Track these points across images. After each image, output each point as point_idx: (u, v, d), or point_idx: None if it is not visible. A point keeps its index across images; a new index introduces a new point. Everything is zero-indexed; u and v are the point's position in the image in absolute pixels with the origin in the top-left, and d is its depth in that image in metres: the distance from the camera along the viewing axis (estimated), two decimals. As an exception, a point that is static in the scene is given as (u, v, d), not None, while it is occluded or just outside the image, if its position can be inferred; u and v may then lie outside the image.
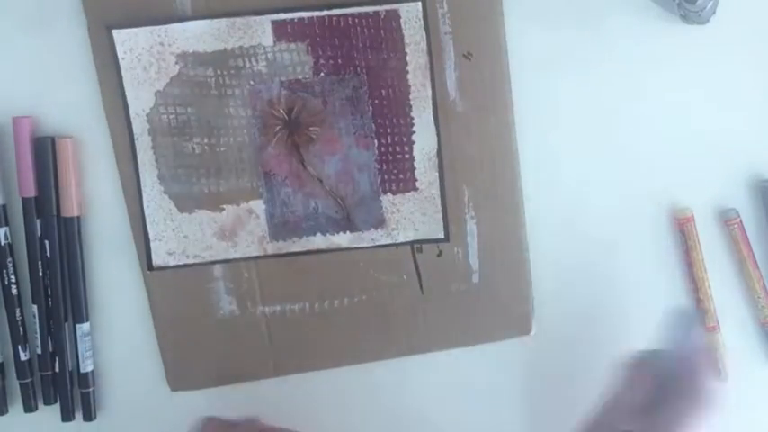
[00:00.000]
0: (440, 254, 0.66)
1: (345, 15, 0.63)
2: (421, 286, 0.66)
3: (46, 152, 0.65)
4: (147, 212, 0.66)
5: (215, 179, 0.65)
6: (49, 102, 0.66)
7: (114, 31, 0.63)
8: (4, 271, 0.66)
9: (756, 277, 0.66)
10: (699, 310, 0.67)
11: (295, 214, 0.66)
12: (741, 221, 0.66)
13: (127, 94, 0.64)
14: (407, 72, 0.64)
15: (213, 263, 0.66)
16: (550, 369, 0.68)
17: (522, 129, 0.65)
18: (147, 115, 0.65)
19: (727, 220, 0.66)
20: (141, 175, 0.65)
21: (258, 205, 0.66)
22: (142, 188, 0.65)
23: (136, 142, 0.65)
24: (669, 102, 0.66)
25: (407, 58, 0.64)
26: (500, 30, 0.64)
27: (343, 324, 0.65)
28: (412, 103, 0.64)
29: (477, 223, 0.66)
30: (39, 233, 0.66)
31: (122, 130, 0.64)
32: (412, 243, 0.66)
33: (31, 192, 0.65)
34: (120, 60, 0.64)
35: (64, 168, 0.65)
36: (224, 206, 0.66)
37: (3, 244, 0.66)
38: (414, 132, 0.65)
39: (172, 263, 0.66)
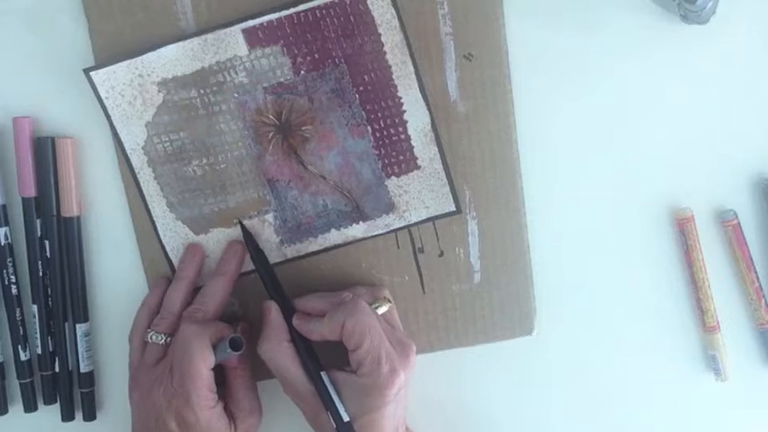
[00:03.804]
0: (441, 254, 0.66)
1: (312, 9, 0.63)
2: (422, 286, 0.66)
3: (46, 152, 0.65)
4: (164, 242, 0.66)
5: (222, 196, 0.66)
6: (49, 102, 0.66)
7: (92, 73, 0.64)
8: (4, 271, 0.66)
9: (750, 280, 0.66)
10: (699, 309, 0.67)
11: (306, 215, 0.66)
12: (738, 223, 0.66)
13: (118, 131, 0.65)
14: (385, 53, 0.64)
15: (240, 275, 0.66)
16: (550, 369, 0.68)
17: (523, 129, 0.65)
18: (142, 148, 0.65)
19: (724, 221, 0.66)
20: (151, 207, 0.66)
21: (269, 213, 0.66)
22: (155, 219, 0.66)
23: (138, 176, 0.65)
24: (669, 102, 0.66)
25: (382, 39, 0.64)
26: (500, 30, 0.64)
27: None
28: (396, 82, 0.64)
29: (479, 223, 0.66)
30: (39, 233, 0.66)
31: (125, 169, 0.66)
32: (426, 221, 0.65)
33: (31, 192, 0.65)
34: (105, 100, 0.64)
35: (64, 168, 0.65)
36: (237, 221, 0.66)
37: (3, 244, 0.66)
38: (404, 111, 0.65)
39: (201, 284, 0.66)
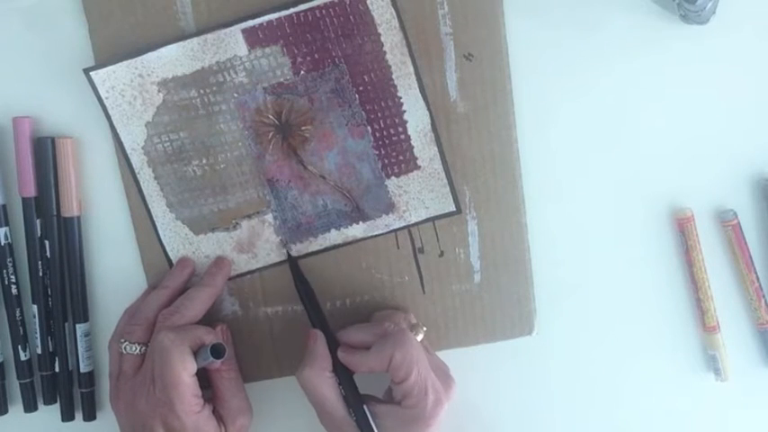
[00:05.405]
0: (441, 254, 0.66)
1: (312, 9, 0.63)
2: (423, 286, 0.66)
3: (46, 152, 0.65)
4: (164, 241, 0.66)
5: (222, 197, 0.66)
6: (49, 102, 0.66)
7: (92, 73, 0.64)
8: (4, 271, 0.66)
9: (750, 280, 0.66)
10: (699, 309, 0.67)
11: (306, 215, 0.66)
12: (738, 223, 0.66)
13: (118, 131, 0.65)
14: (385, 52, 0.64)
15: (239, 276, 0.66)
16: (550, 369, 0.68)
17: (523, 129, 0.66)
18: (142, 148, 0.65)
19: (724, 221, 0.66)
20: (151, 207, 0.66)
21: (268, 213, 0.66)
22: (155, 219, 0.66)
23: (138, 176, 0.65)
24: (669, 102, 0.66)
25: (382, 39, 0.64)
26: (500, 30, 0.64)
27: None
28: (396, 82, 0.64)
29: (479, 223, 0.66)
30: (39, 233, 0.66)
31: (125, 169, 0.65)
32: (426, 221, 0.65)
33: (31, 192, 0.65)
34: (105, 100, 0.64)
35: (64, 168, 0.65)
36: (236, 221, 0.66)
37: (3, 244, 0.66)
38: (404, 111, 0.65)
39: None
